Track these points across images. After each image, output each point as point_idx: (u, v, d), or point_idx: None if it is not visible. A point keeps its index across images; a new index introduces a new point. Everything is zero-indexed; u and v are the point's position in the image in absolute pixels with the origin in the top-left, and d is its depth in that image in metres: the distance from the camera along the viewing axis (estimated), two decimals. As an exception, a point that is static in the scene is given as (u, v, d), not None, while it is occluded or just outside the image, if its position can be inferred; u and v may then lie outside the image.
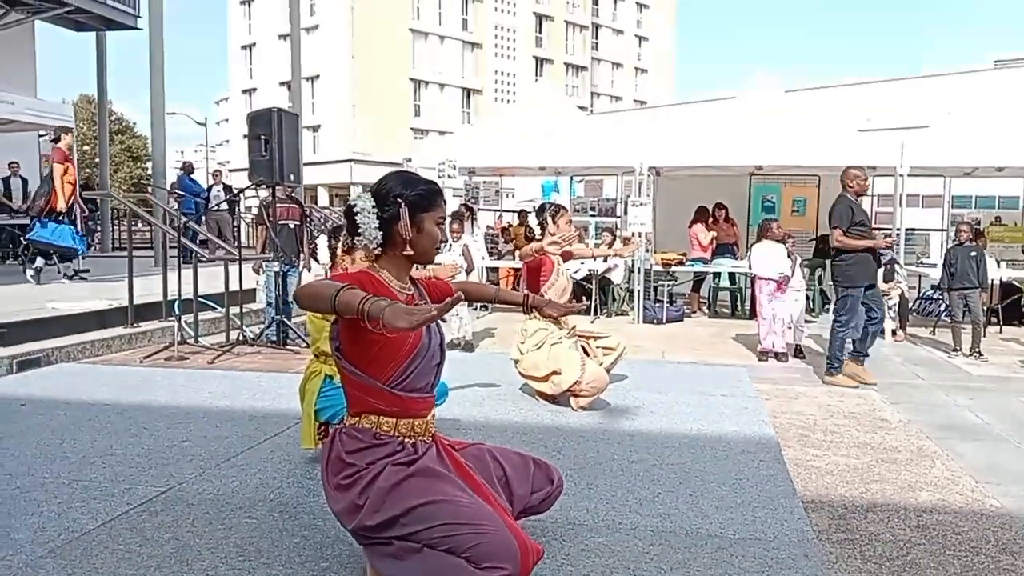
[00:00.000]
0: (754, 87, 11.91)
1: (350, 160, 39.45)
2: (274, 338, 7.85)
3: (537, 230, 5.33)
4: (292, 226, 8.51)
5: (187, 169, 15.00)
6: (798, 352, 8.41)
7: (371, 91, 40.59)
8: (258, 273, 8.66)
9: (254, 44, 47.08)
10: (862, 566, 2.96)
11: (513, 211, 15.99)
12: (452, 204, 14.66)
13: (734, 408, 4.90)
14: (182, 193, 13.82)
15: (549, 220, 5.21)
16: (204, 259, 7.73)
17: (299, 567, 2.65)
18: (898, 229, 10.59)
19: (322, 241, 3.89)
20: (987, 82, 21.90)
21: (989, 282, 9.23)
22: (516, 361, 4.91)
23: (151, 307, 7.99)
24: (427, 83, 44.59)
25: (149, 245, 20.97)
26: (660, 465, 3.72)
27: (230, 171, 37.18)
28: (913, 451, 4.91)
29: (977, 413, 6.09)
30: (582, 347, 5.01)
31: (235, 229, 16.30)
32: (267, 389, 5.39)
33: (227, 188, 16.45)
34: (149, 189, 37.88)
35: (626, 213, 12.50)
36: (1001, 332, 9.97)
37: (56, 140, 9.59)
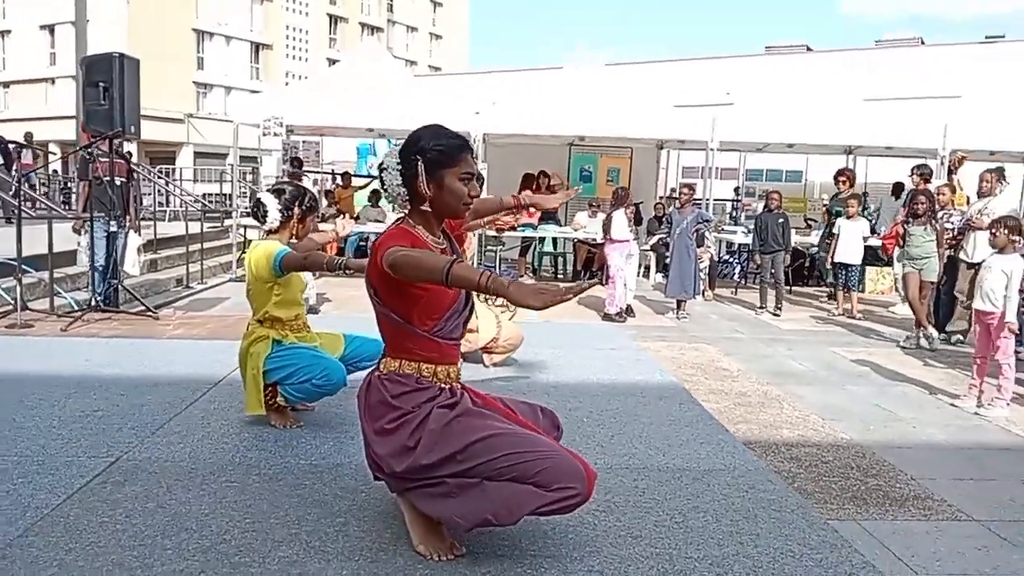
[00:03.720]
0: (557, 62, 12.37)
1: (124, 115, 35.98)
2: (105, 302, 7.25)
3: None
4: (119, 183, 7.86)
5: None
6: (628, 311, 9.08)
7: (149, 40, 37.10)
8: (79, 234, 7.93)
9: (6, -21, 41.56)
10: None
11: (329, 173, 15.56)
12: (271, 165, 14.02)
13: (630, 360, 5.26)
14: None
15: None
16: (29, 216, 6.96)
17: (315, 523, 2.59)
18: (707, 199, 11.64)
19: (270, 200, 3.62)
20: (761, 66, 24.29)
21: (791, 246, 10.39)
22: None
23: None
24: (212, 34, 41.50)
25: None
26: (597, 412, 3.97)
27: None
28: (761, 395, 5.56)
29: (800, 361, 6.94)
30: (481, 305, 5.12)
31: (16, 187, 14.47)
32: (151, 356, 5.02)
33: (1, 141, 14.61)
34: None
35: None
36: (791, 291, 11.30)
37: None
